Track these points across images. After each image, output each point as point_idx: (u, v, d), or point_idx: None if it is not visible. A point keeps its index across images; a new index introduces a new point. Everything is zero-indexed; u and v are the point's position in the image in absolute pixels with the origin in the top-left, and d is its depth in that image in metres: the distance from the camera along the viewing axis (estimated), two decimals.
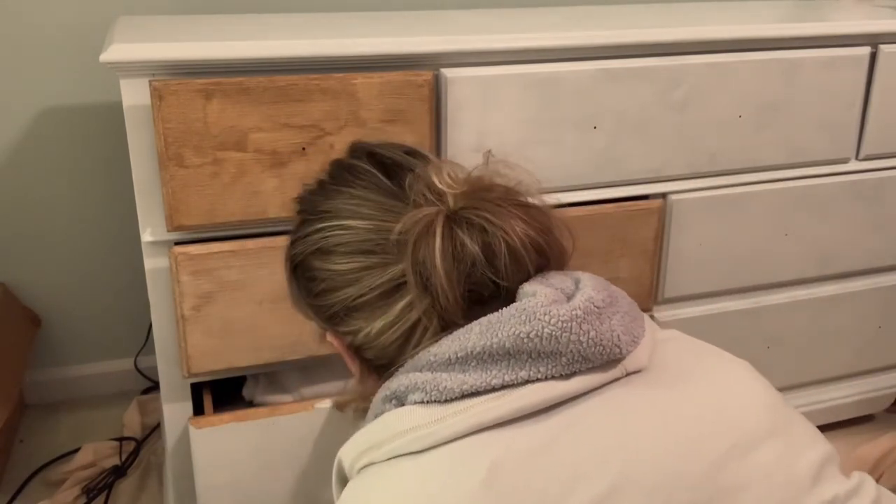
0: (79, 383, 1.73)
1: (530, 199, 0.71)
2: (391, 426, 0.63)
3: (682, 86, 1.27)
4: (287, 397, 1.24)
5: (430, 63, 1.15)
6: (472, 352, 0.62)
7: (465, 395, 0.61)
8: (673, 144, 1.30)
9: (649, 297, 1.36)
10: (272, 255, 1.12)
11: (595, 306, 0.64)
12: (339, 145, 1.11)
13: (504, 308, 0.64)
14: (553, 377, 0.62)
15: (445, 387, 0.62)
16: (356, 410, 0.77)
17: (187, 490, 1.25)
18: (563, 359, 0.62)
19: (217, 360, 1.15)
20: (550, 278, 0.68)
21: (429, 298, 0.66)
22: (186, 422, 1.19)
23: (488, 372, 0.62)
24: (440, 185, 0.68)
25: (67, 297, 1.67)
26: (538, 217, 0.70)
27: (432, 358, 0.64)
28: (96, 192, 1.62)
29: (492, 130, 1.19)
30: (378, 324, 0.68)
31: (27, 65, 1.51)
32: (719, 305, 1.44)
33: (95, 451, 1.52)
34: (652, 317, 1.39)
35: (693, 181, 1.34)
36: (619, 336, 0.64)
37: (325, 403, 1.18)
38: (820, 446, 0.65)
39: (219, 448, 1.14)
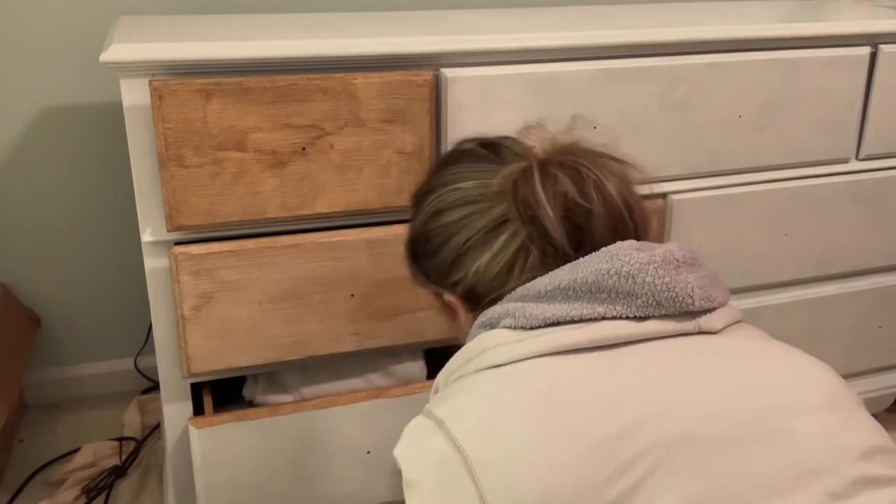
0: (79, 383, 1.73)
1: (617, 157, 0.80)
2: (482, 342, 0.71)
3: (682, 86, 1.27)
4: (287, 397, 1.24)
5: (430, 63, 1.15)
6: (559, 286, 0.70)
7: (547, 324, 0.69)
8: (673, 144, 1.30)
9: None
10: (272, 255, 1.12)
11: (674, 258, 0.70)
12: (339, 145, 1.11)
13: (593, 252, 0.72)
14: (627, 317, 0.68)
15: (531, 314, 0.69)
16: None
17: (187, 490, 1.25)
18: (639, 300, 0.68)
19: (217, 360, 1.15)
20: (644, 243, 0.74)
21: (530, 227, 0.75)
22: (186, 422, 1.19)
23: (570, 305, 0.69)
24: (530, 144, 0.79)
25: (67, 297, 1.67)
26: (616, 166, 0.78)
27: (525, 291, 0.72)
28: (96, 192, 1.62)
29: (492, 130, 1.19)
30: (486, 257, 0.77)
31: (27, 65, 1.51)
32: None
33: (95, 451, 1.52)
34: None
35: (693, 181, 1.34)
36: (693, 288, 0.69)
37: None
38: (879, 438, 0.65)
39: (219, 448, 1.15)
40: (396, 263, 1.18)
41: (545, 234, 0.74)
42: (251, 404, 1.25)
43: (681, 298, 0.68)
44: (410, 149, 1.14)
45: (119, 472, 1.50)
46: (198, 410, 1.20)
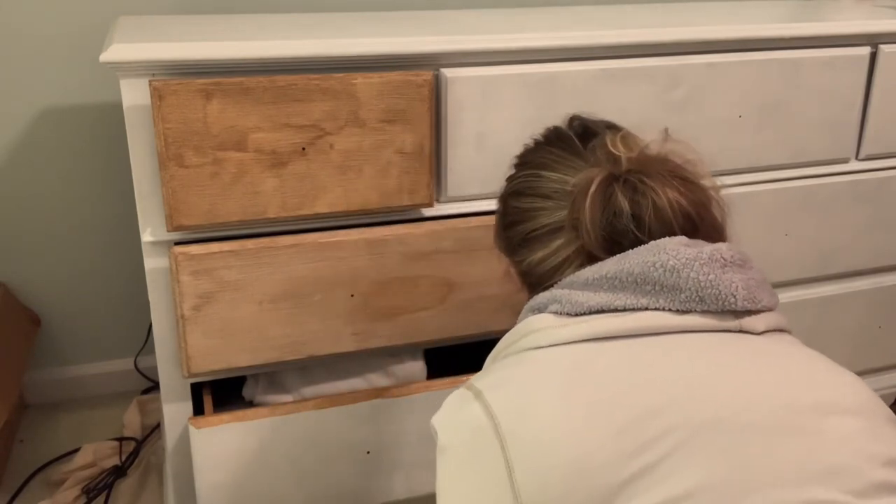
0: (79, 383, 1.73)
1: (692, 177, 0.78)
2: (527, 325, 0.74)
3: (682, 86, 1.27)
4: (287, 397, 1.24)
5: (430, 63, 1.15)
6: (605, 275, 0.72)
7: (591, 311, 0.71)
8: None
9: None
10: (272, 255, 1.12)
11: (721, 256, 0.70)
12: (339, 145, 1.11)
13: (641, 246, 0.73)
14: (670, 310, 0.69)
15: (577, 301, 0.72)
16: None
17: (187, 490, 1.25)
18: (682, 295, 0.69)
19: (217, 360, 1.15)
20: (695, 241, 0.74)
21: (579, 242, 0.77)
22: (186, 422, 1.19)
23: (615, 295, 0.71)
24: (614, 151, 0.79)
25: (67, 297, 1.67)
26: (695, 191, 0.77)
27: (573, 279, 0.75)
28: (96, 192, 1.62)
29: (492, 130, 1.19)
30: (540, 254, 0.80)
31: (27, 65, 1.51)
32: None
33: (95, 451, 1.52)
34: None
35: None
36: (737, 288, 0.69)
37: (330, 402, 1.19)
38: None
39: (219, 448, 1.15)
40: (396, 263, 1.18)
41: (590, 250, 0.76)
42: (251, 404, 1.25)
43: (724, 296, 0.69)
44: (410, 149, 1.14)
45: (119, 472, 1.50)
46: (198, 410, 1.20)
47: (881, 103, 1.41)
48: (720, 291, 0.69)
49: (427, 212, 1.21)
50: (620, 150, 0.79)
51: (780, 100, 1.34)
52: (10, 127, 1.54)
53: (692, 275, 0.69)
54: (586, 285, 0.73)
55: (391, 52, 1.11)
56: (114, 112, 1.58)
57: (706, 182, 0.79)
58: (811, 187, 1.41)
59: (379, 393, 1.21)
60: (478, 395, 0.69)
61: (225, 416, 1.15)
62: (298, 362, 1.20)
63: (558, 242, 0.78)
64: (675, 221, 0.75)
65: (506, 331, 1.33)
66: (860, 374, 1.61)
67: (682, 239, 0.73)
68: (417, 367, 1.29)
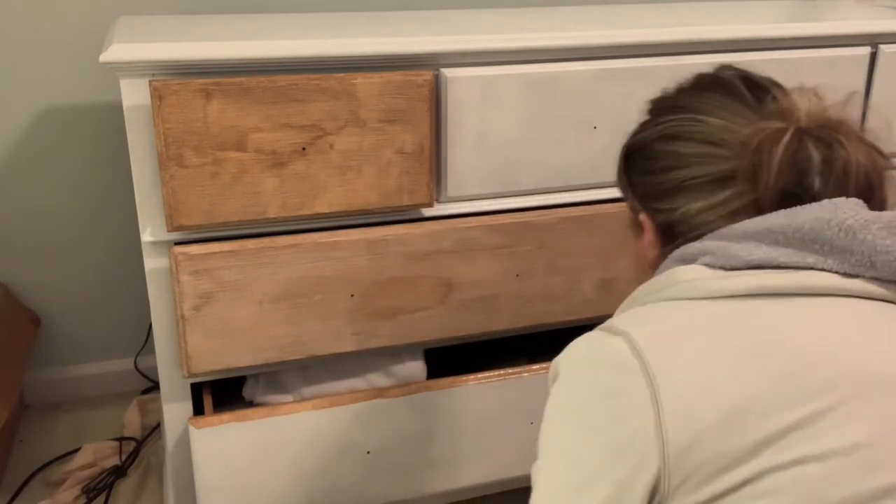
0: (79, 383, 1.73)
1: (875, 144, 0.74)
2: (675, 276, 0.69)
3: None
4: (287, 397, 1.24)
5: (430, 63, 1.15)
6: (769, 228, 0.67)
7: (750, 266, 0.66)
8: None
9: None
10: (272, 255, 1.12)
11: None
12: (339, 145, 1.11)
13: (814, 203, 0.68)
14: (837, 272, 0.65)
15: (734, 254, 0.67)
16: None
17: (187, 490, 1.25)
18: (853, 258, 0.65)
19: (217, 360, 1.15)
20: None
21: (753, 194, 0.71)
22: (186, 422, 1.19)
23: (779, 250, 0.66)
24: (799, 109, 0.73)
25: (67, 297, 1.67)
26: (877, 159, 0.73)
27: (730, 231, 0.69)
28: (96, 192, 1.62)
29: (492, 130, 1.19)
30: (700, 204, 0.73)
31: (27, 65, 1.51)
32: None
33: (95, 451, 1.52)
34: None
35: None
36: None
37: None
38: None
39: (219, 448, 1.15)
40: (396, 263, 1.18)
41: (763, 203, 0.71)
42: (251, 404, 1.25)
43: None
44: (410, 149, 1.14)
45: (119, 472, 1.50)
46: (198, 410, 1.20)
47: (881, 103, 1.41)
48: (893, 259, 0.64)
49: (427, 212, 1.21)
50: (802, 106, 0.74)
51: None
52: (10, 127, 1.54)
53: (868, 237, 0.64)
54: (745, 237, 0.68)
55: (391, 52, 1.11)
56: (114, 112, 1.58)
57: (885, 150, 0.75)
58: None
59: (379, 393, 1.21)
60: (620, 333, 0.65)
61: (225, 416, 1.15)
62: (298, 362, 1.20)
63: (727, 193, 0.72)
64: (857, 185, 0.70)
65: (505, 331, 1.33)
66: None
67: (859, 201, 0.68)
68: (417, 367, 1.29)
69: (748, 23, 1.33)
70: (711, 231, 0.72)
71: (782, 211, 0.68)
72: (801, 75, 1.34)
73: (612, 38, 1.22)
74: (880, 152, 0.74)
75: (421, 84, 1.12)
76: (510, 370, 1.27)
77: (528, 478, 1.39)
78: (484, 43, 1.16)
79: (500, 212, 1.24)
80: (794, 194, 0.70)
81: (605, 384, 0.64)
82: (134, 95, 1.04)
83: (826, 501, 0.55)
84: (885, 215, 0.66)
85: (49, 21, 1.50)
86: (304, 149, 1.10)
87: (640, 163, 0.81)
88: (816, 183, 0.70)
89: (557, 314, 1.31)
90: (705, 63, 1.27)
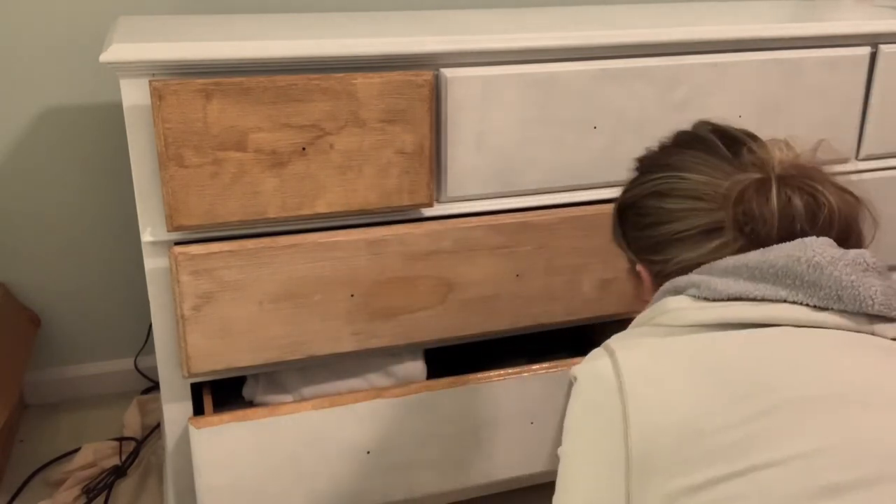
0: (79, 383, 1.73)
1: (848, 187, 0.81)
2: (664, 305, 0.77)
3: (682, 86, 1.27)
4: (287, 397, 1.24)
5: (430, 63, 1.15)
6: (746, 264, 0.74)
7: (729, 298, 0.73)
8: None
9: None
10: (272, 255, 1.12)
11: (864, 261, 0.72)
12: (339, 145, 1.11)
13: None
14: (807, 305, 0.71)
15: (716, 288, 0.74)
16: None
17: (187, 490, 1.25)
18: (822, 292, 0.71)
19: (217, 360, 1.15)
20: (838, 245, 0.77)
21: (741, 241, 0.77)
22: (186, 422, 1.19)
23: (755, 284, 0.73)
24: (773, 158, 0.81)
25: (67, 297, 1.67)
26: (850, 201, 0.80)
27: (713, 266, 0.77)
28: (96, 192, 1.62)
29: (492, 130, 1.19)
30: (692, 254, 0.80)
31: (27, 65, 1.51)
32: None
33: (95, 451, 1.52)
34: None
35: None
36: (876, 292, 0.71)
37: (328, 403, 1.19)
38: None
39: (219, 448, 1.15)
40: (396, 263, 1.18)
41: (759, 242, 0.77)
42: (251, 404, 1.25)
43: (862, 298, 0.70)
44: (410, 149, 1.14)
45: (119, 472, 1.50)
46: (198, 410, 1.20)
47: (881, 103, 1.41)
48: (859, 293, 0.70)
49: (427, 212, 1.21)
50: (775, 156, 0.81)
51: (780, 100, 1.34)
52: (10, 127, 1.54)
53: (835, 273, 0.70)
54: (725, 272, 0.75)
55: (391, 52, 1.11)
56: (114, 112, 1.58)
57: (858, 193, 0.82)
58: None
59: (379, 393, 1.21)
60: (611, 353, 0.74)
61: (225, 416, 1.15)
62: (298, 362, 1.20)
63: (715, 244, 0.79)
64: (838, 228, 0.77)
65: (505, 331, 1.34)
66: None
67: (828, 240, 0.75)
68: (417, 367, 1.29)
69: (748, 23, 1.33)
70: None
71: (757, 250, 0.75)
72: (801, 75, 1.34)
73: (612, 38, 1.22)
74: (852, 194, 0.81)
75: (421, 84, 1.12)
76: (510, 370, 1.27)
77: (528, 478, 1.40)
78: (484, 43, 1.16)
79: (500, 212, 1.24)
80: (785, 239, 0.76)
81: (588, 395, 0.74)
82: (134, 95, 1.04)
83: (780, 498, 0.61)
84: (851, 253, 0.73)
85: (49, 21, 1.50)
86: (304, 149, 1.10)
87: (632, 219, 0.87)
88: (804, 229, 0.76)
89: (557, 314, 1.31)
90: (705, 63, 1.27)
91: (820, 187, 0.78)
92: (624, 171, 1.28)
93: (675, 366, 0.70)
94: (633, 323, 0.83)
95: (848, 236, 0.78)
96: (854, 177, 1.50)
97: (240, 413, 1.16)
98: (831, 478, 0.61)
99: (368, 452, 1.23)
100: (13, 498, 1.46)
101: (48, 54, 1.52)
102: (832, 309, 0.71)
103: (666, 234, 0.82)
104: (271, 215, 1.12)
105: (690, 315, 0.74)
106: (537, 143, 1.22)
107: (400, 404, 1.22)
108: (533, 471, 1.33)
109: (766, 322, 0.71)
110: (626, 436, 0.69)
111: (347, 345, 1.20)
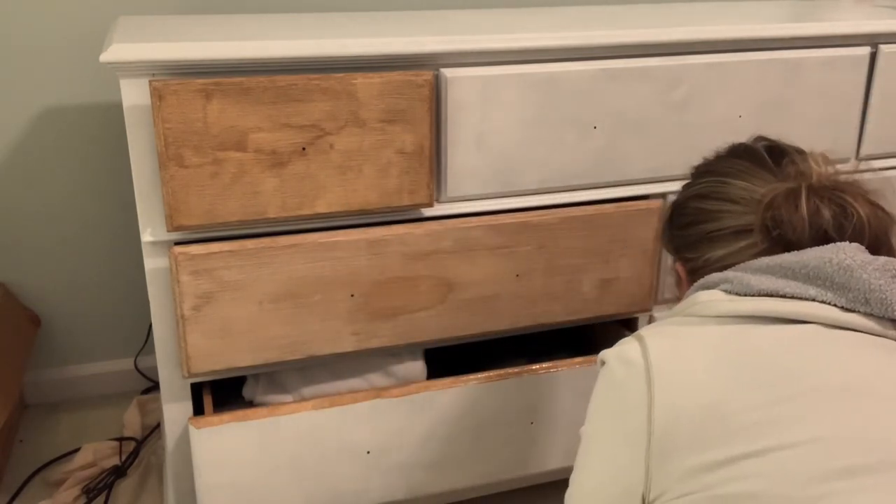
0: (79, 383, 1.73)
1: (880, 201, 0.84)
2: (697, 298, 0.81)
3: (682, 86, 1.27)
4: (287, 397, 1.24)
5: (430, 63, 1.15)
6: (780, 264, 0.77)
7: (761, 294, 0.76)
8: (673, 144, 1.30)
9: (649, 296, 1.36)
10: (272, 255, 1.12)
11: (893, 267, 0.74)
12: (339, 145, 1.11)
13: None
14: (835, 305, 0.73)
15: (748, 283, 0.77)
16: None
17: (187, 490, 1.25)
18: (850, 294, 0.73)
19: (217, 360, 1.15)
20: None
21: (768, 244, 0.82)
22: (186, 422, 1.19)
23: (786, 282, 0.76)
24: (812, 170, 0.84)
25: (67, 297, 1.67)
26: (882, 216, 0.83)
27: (748, 264, 0.80)
28: (96, 192, 1.62)
29: (492, 130, 1.19)
30: (721, 252, 0.85)
31: (27, 65, 1.51)
32: None
33: (95, 451, 1.52)
34: (651, 317, 1.39)
35: None
36: None
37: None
38: None
39: (219, 448, 1.15)
40: (396, 263, 1.18)
41: (783, 250, 0.81)
42: (251, 404, 1.25)
43: (889, 302, 0.72)
44: (410, 149, 1.14)
45: (119, 472, 1.50)
46: (198, 410, 1.20)
47: (881, 103, 1.41)
48: (886, 297, 0.72)
49: (427, 212, 1.21)
50: (813, 168, 0.85)
51: (780, 100, 1.34)
52: (10, 127, 1.54)
53: (864, 276, 0.72)
54: (760, 271, 0.78)
55: (391, 52, 1.11)
56: (114, 112, 1.58)
57: (890, 209, 0.85)
58: None
59: (379, 393, 1.21)
60: (639, 338, 0.77)
61: (225, 416, 1.15)
62: (298, 362, 1.20)
63: (743, 244, 0.83)
64: (868, 239, 0.80)
65: (505, 331, 1.34)
66: None
67: (860, 246, 0.77)
68: (417, 367, 1.29)
69: (748, 23, 1.33)
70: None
71: (791, 252, 0.79)
72: (801, 75, 1.34)
73: (612, 38, 1.22)
74: (884, 210, 0.84)
75: (421, 84, 1.12)
76: (510, 370, 1.27)
77: (528, 478, 1.40)
78: (484, 43, 1.16)
79: (500, 212, 1.24)
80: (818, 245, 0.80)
81: (615, 376, 0.77)
82: (134, 95, 1.04)
83: (795, 477, 0.63)
84: (881, 259, 0.75)
85: (49, 21, 1.50)
86: (304, 149, 1.10)
87: (676, 219, 0.93)
88: (833, 238, 0.79)
89: (557, 314, 1.31)
90: (705, 63, 1.27)
91: (850, 199, 0.81)
92: (623, 170, 1.29)
93: (703, 350, 0.73)
94: (666, 314, 0.87)
95: (878, 249, 0.80)
96: (854, 177, 1.50)
97: (240, 413, 1.16)
98: (845, 461, 0.63)
99: (368, 452, 1.23)
100: (13, 498, 1.46)
101: (48, 54, 1.52)
102: (859, 311, 0.73)
103: (700, 232, 0.87)
104: (271, 215, 1.12)
105: (721, 306, 0.77)
106: (537, 144, 1.22)
107: (400, 404, 1.22)
108: (533, 471, 1.33)
109: (795, 318, 0.73)
110: (650, 415, 0.72)
111: (347, 345, 1.20)
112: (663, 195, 1.32)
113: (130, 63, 1.02)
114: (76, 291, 1.67)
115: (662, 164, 1.30)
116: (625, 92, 1.24)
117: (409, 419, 1.23)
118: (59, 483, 1.48)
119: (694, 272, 0.89)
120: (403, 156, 1.14)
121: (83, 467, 1.50)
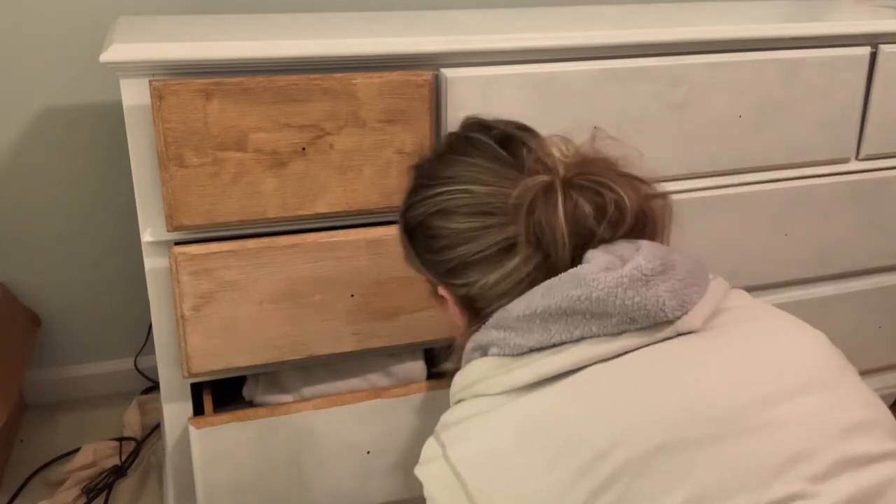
0: (79, 383, 1.73)
1: (634, 173, 0.79)
2: (473, 372, 0.75)
3: (682, 86, 1.27)
4: (287, 397, 1.24)
5: (430, 63, 1.15)
6: (535, 311, 0.71)
7: (531, 350, 0.71)
8: (673, 144, 1.30)
9: None
10: (272, 255, 1.12)
11: (642, 274, 0.70)
12: (339, 145, 1.11)
13: (562, 273, 0.72)
14: (605, 335, 0.70)
15: (515, 343, 0.72)
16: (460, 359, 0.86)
17: (187, 490, 1.25)
18: (614, 319, 0.69)
19: (217, 360, 1.15)
20: (616, 245, 0.74)
21: (539, 255, 0.74)
22: (186, 422, 1.19)
23: (548, 331, 0.71)
24: (553, 156, 0.78)
25: (67, 297, 1.67)
26: (638, 187, 0.78)
27: (505, 314, 0.74)
28: (96, 191, 1.62)
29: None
30: (495, 276, 0.76)
31: (27, 65, 1.51)
32: None
33: (95, 451, 1.52)
34: None
35: (692, 181, 1.34)
36: (664, 302, 0.70)
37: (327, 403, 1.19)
38: (869, 411, 0.67)
39: (219, 448, 1.15)
40: (396, 263, 1.18)
41: (553, 260, 0.75)
42: (251, 404, 1.25)
43: (653, 312, 0.69)
44: (410, 149, 1.14)
45: (119, 472, 1.50)
46: (198, 410, 1.20)
47: (881, 103, 1.41)
48: (649, 310, 0.69)
49: None
50: (555, 154, 0.78)
51: (779, 100, 1.34)
52: (10, 127, 1.54)
53: (618, 302, 0.69)
54: (518, 322, 0.72)
55: (391, 52, 1.11)
56: (114, 112, 1.58)
57: (640, 173, 0.79)
58: (811, 187, 1.41)
59: (379, 393, 1.22)
60: (443, 449, 0.73)
61: (225, 416, 1.15)
62: (298, 362, 1.20)
63: (516, 261, 0.75)
64: (631, 220, 0.75)
65: None
66: (860, 374, 1.61)
67: (602, 262, 0.72)
68: (417, 367, 1.29)
69: (748, 23, 1.33)
70: (510, 299, 0.75)
71: (540, 289, 0.72)
72: (801, 75, 1.34)
73: (612, 38, 1.22)
74: (640, 179, 0.78)
75: (421, 84, 1.12)
76: None
77: None
78: (484, 43, 1.16)
79: None
80: (579, 245, 0.74)
81: (442, 502, 0.72)
82: (134, 95, 1.04)
83: None
84: (626, 271, 0.70)
85: (49, 21, 1.50)
86: (304, 149, 1.10)
87: (422, 241, 0.82)
88: (594, 229, 0.74)
89: None
90: (705, 63, 1.27)
91: (605, 180, 0.75)
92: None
93: (504, 442, 0.69)
94: (452, 392, 0.79)
95: (644, 224, 0.77)
96: (854, 177, 1.52)
97: (240, 413, 1.16)
98: None
99: (368, 452, 1.23)
100: (13, 498, 1.46)
101: (48, 54, 1.52)
102: (629, 330, 0.70)
103: (462, 256, 0.78)
104: (271, 215, 1.12)
105: (502, 381, 0.72)
106: None
107: (400, 404, 1.22)
108: None
109: (572, 367, 0.69)
110: None
111: (347, 345, 1.20)
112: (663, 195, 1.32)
113: (130, 63, 1.02)
114: (76, 291, 1.67)
115: (662, 164, 1.30)
116: (625, 92, 1.24)
117: (409, 419, 1.23)
118: (59, 483, 1.48)
119: (471, 299, 0.79)
120: (403, 156, 1.14)
121: (83, 467, 1.50)
